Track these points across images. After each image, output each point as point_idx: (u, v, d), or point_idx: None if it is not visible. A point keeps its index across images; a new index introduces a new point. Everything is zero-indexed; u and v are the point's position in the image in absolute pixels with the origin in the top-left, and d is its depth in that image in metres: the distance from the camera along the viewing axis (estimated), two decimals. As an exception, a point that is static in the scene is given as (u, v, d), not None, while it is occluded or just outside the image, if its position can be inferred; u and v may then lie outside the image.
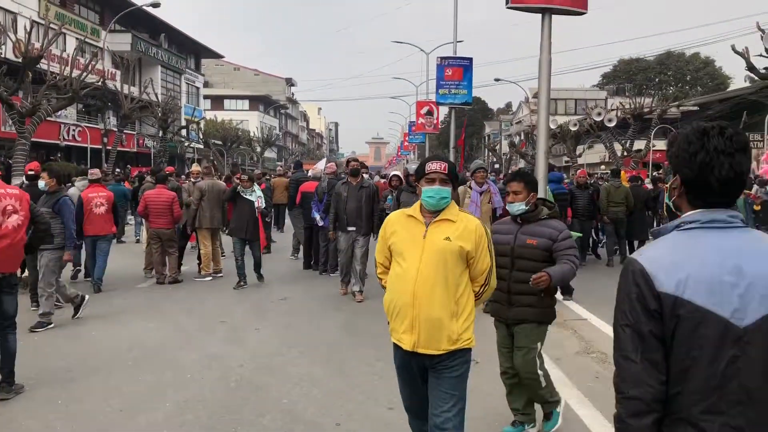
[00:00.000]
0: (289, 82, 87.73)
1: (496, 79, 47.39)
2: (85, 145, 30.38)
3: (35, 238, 5.66)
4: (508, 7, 8.27)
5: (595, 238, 13.99)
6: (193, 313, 8.33)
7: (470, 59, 19.57)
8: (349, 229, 9.05)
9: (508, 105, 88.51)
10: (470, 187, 8.52)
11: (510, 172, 20.74)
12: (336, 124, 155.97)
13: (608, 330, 7.46)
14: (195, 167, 13.13)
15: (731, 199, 1.86)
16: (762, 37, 16.39)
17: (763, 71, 16.89)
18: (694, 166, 1.83)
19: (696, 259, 1.77)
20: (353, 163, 9.98)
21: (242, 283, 9.87)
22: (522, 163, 40.29)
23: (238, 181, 10.47)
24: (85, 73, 21.84)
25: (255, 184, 10.46)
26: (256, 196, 10.02)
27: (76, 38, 31.69)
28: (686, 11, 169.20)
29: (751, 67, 17.16)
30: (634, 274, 1.81)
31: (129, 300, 9.09)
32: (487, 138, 73.87)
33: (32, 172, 8.53)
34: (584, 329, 7.52)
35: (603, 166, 40.17)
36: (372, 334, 6.90)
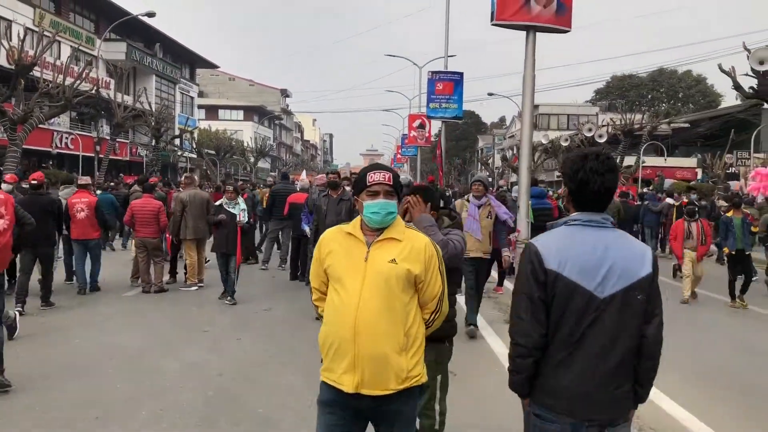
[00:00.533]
0: (284, 93, 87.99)
1: (490, 94, 47.82)
2: (77, 153, 30.37)
3: (22, 238, 5.82)
4: (493, 24, 8.40)
5: None
6: (177, 321, 8.38)
7: (461, 74, 19.74)
8: None
9: (502, 119, 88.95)
10: (468, 200, 8.11)
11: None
12: (330, 136, 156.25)
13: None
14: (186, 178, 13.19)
15: (603, 206, 2.54)
16: (748, 57, 16.61)
17: (749, 90, 17.08)
18: (576, 182, 2.51)
19: (574, 247, 2.46)
20: (331, 175, 9.71)
21: (229, 297, 9.62)
22: (514, 177, 40.51)
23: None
24: (78, 82, 21.93)
25: (239, 196, 10.19)
26: (239, 209, 9.72)
27: (71, 46, 31.77)
28: (679, 30, 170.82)
29: (737, 86, 17.36)
30: (530, 254, 2.49)
31: (114, 308, 9.13)
32: (480, 152, 74.16)
33: (36, 182, 9.01)
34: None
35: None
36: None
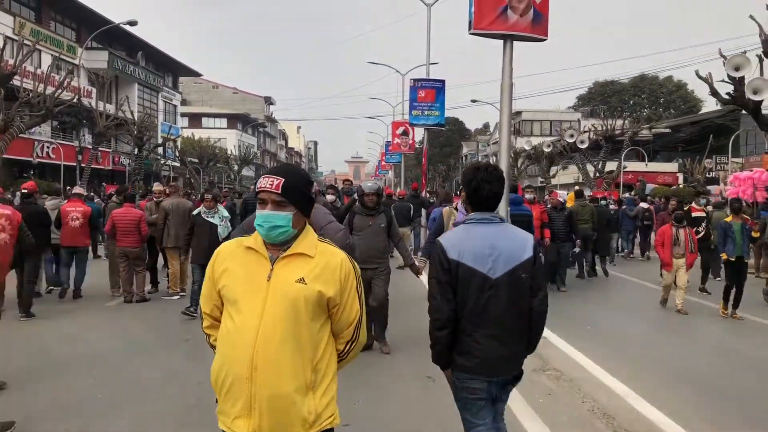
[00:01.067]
0: (268, 101, 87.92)
1: (473, 100, 47.95)
2: (59, 162, 30.18)
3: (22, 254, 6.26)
4: (470, 33, 8.49)
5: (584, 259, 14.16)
6: (159, 330, 8.37)
7: (443, 81, 19.89)
8: None
9: (486, 125, 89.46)
10: (456, 208, 7.68)
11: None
12: (315, 143, 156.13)
13: (567, 349, 7.65)
14: (157, 186, 13.17)
15: (492, 207, 3.28)
16: (724, 63, 16.84)
17: (726, 96, 17.32)
18: (471, 189, 3.26)
19: (469, 240, 3.16)
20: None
21: (192, 309, 8.86)
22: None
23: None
24: (59, 90, 21.84)
25: (219, 205, 9.61)
26: (219, 218, 9.16)
27: (51, 55, 31.61)
28: (661, 36, 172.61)
29: (714, 93, 17.59)
30: (437, 248, 3.18)
31: (96, 318, 9.11)
32: (464, 158, 74.47)
33: (26, 191, 9.78)
34: (542, 347, 7.64)
35: (577, 187, 40.95)
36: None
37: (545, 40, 8.68)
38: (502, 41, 8.69)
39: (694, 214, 15.06)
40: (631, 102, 68.99)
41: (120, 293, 10.45)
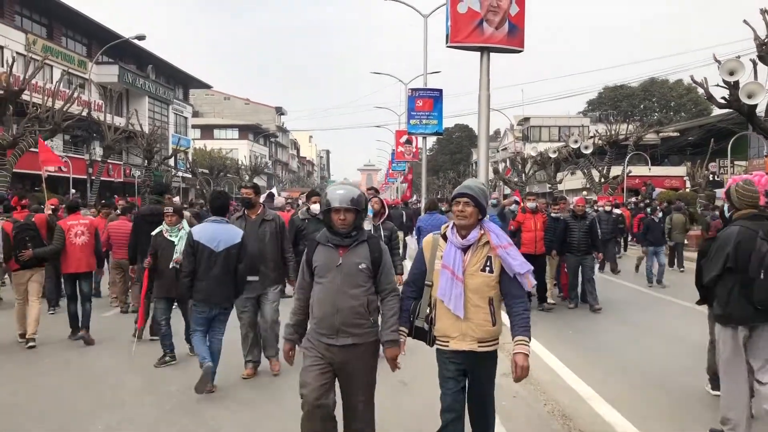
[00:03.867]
0: (279, 111, 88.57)
1: (490, 105, 47.99)
2: (68, 176, 30.70)
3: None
4: (447, 46, 8.74)
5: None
6: (147, 340, 8.58)
7: (440, 90, 20.15)
8: (250, 278, 6.54)
9: (496, 132, 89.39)
10: (444, 235, 7.13)
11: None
12: (327, 152, 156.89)
13: (542, 352, 7.81)
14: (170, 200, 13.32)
15: (223, 214, 6.50)
16: (719, 68, 16.94)
17: (722, 100, 17.39)
18: (210, 201, 6.87)
19: (205, 229, 6.32)
20: (245, 190, 6.99)
21: (167, 359, 7.23)
22: (507, 190, 40.81)
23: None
24: (68, 105, 22.29)
25: (184, 220, 7.64)
26: (179, 236, 7.25)
27: (62, 70, 32.20)
28: (671, 39, 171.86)
29: (709, 97, 17.67)
30: (189, 234, 6.48)
31: (90, 328, 9.35)
32: (474, 165, 74.61)
33: (53, 207, 11.74)
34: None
35: (585, 192, 41.04)
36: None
37: (521, 51, 8.91)
38: (479, 53, 8.94)
39: None
40: (642, 106, 68.87)
41: (117, 304, 10.74)
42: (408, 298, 4.07)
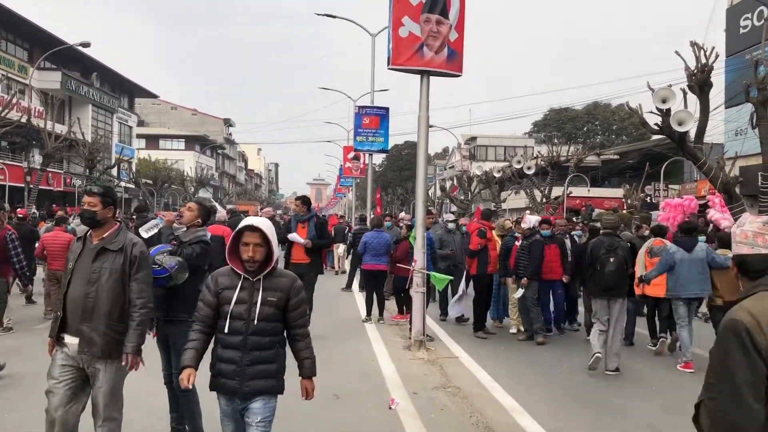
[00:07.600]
0: (227, 123, 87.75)
1: (429, 126, 48.69)
2: (5, 183, 29.82)
3: None
4: (389, 68, 8.99)
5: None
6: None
7: (387, 108, 20.47)
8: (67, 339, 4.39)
9: (446, 150, 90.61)
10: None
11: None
12: (276, 165, 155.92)
13: (474, 368, 8.05)
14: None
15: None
16: (652, 95, 17.71)
17: (655, 126, 18.16)
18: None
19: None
20: (88, 198, 4.25)
21: None
22: (454, 207, 41.43)
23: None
24: (5, 110, 21.76)
25: None
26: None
27: (0, 74, 31.35)
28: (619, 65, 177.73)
29: (643, 123, 18.41)
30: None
31: (20, 341, 9.18)
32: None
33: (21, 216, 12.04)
34: (451, 366, 8.06)
35: (528, 211, 42.10)
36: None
37: (460, 75, 9.23)
38: (420, 76, 9.21)
39: None
40: (585, 129, 70.91)
41: (51, 316, 10.52)
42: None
